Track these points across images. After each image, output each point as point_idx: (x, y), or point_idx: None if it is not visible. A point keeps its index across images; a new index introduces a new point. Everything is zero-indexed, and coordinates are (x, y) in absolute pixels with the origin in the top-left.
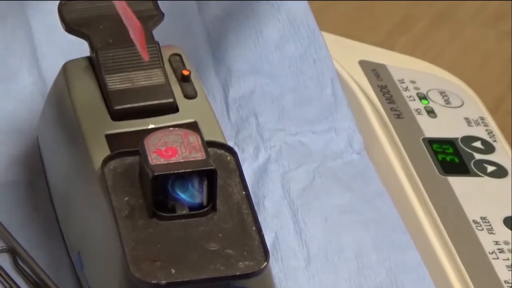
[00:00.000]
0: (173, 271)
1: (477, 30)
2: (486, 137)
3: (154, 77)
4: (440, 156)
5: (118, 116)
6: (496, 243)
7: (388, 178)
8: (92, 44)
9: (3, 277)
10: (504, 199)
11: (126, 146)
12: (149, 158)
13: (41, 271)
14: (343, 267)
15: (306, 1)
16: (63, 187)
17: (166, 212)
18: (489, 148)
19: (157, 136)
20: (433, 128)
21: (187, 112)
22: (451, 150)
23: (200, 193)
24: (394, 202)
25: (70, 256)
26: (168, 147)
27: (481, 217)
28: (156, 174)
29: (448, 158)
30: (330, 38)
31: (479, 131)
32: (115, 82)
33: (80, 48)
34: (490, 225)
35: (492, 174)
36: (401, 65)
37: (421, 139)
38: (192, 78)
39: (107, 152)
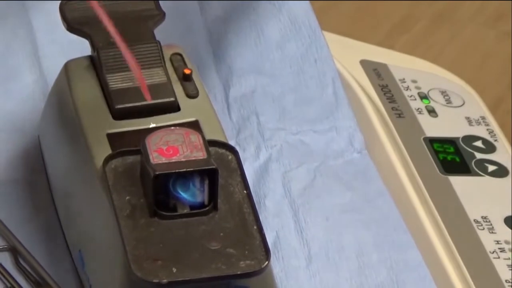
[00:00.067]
0: (174, 270)
1: (477, 30)
2: (487, 136)
3: (156, 76)
4: (441, 156)
5: (119, 115)
6: (497, 242)
7: (389, 178)
8: (93, 43)
9: (4, 276)
10: (505, 198)
11: (128, 145)
12: (151, 157)
13: (42, 270)
14: (344, 267)
15: (307, 1)
16: (64, 186)
17: (167, 211)
18: (490, 147)
19: (158, 135)
20: (434, 128)
21: (188, 111)
22: (452, 150)
23: (201, 192)
24: (395, 201)
25: (71, 254)
26: (169, 146)
27: (482, 217)
28: (157, 173)
29: (449, 158)
30: (331, 38)
31: (480, 131)
32: (116, 81)
33: (81, 47)
34: (491, 224)
35: (493, 174)
36: (402, 64)
37: (422, 138)
38: (194, 77)
39: (108, 151)
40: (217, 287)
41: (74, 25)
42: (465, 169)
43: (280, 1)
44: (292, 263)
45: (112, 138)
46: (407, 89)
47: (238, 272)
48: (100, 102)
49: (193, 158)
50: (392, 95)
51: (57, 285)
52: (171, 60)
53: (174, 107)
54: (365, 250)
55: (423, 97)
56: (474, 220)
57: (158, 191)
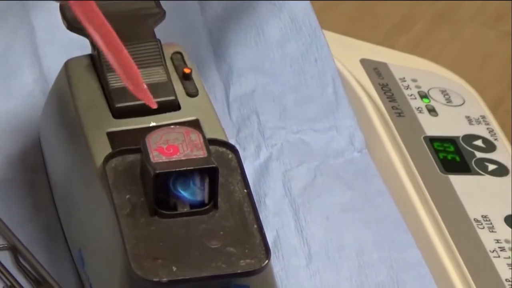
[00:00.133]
0: (174, 269)
1: (477, 30)
2: (487, 135)
3: (156, 75)
4: (441, 155)
5: (119, 114)
6: (497, 241)
7: (389, 177)
8: (93, 42)
9: (4, 275)
10: (505, 197)
11: (128, 144)
12: (151, 156)
13: (42, 269)
14: (344, 266)
15: (308, 0)
16: (64, 184)
17: (167, 210)
18: (490, 146)
19: (158, 134)
20: (434, 127)
21: (188, 110)
22: (452, 149)
23: (201, 191)
24: (395, 200)
25: (71, 253)
26: (169, 145)
27: (482, 216)
28: (157, 172)
29: (449, 157)
30: (331, 37)
31: (480, 130)
32: (116, 80)
33: (81, 46)
34: (491, 223)
35: (493, 173)
36: (402, 63)
37: (422, 137)
38: (194, 76)
39: (108, 150)
40: (217, 286)
41: (74, 24)
42: (465, 168)
43: (281, 0)
44: (292, 262)
45: (112, 137)
46: (407, 88)
47: (238, 271)
48: (100, 101)
49: (193, 157)
50: (392, 94)
51: (57, 284)
52: (171, 59)
53: (174, 106)
54: (365, 249)
55: (423, 96)
56: (474, 219)
57: (158, 190)
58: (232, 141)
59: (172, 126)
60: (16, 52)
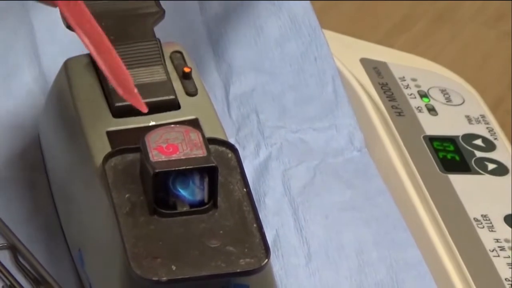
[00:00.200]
0: (173, 268)
1: (477, 30)
2: (487, 135)
3: (155, 74)
4: (441, 154)
5: (119, 113)
6: (497, 240)
7: (389, 176)
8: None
9: (3, 274)
10: (505, 197)
11: (127, 143)
12: (150, 155)
13: (42, 268)
14: (344, 265)
15: (308, 0)
16: (64, 183)
17: (167, 209)
18: (490, 146)
19: (158, 133)
20: (434, 126)
21: (188, 109)
22: (452, 148)
23: (201, 190)
24: (394, 199)
25: (71, 253)
26: (169, 144)
27: (481, 215)
28: (157, 171)
29: (449, 156)
30: (331, 36)
31: (480, 129)
32: None
33: (81, 45)
34: (491, 222)
35: (493, 172)
36: (402, 62)
37: (422, 136)
38: (193, 75)
39: (108, 149)
40: (217, 285)
41: None
42: (465, 168)
43: (280, 0)
44: (291, 261)
45: (112, 136)
46: (407, 88)
47: (238, 270)
48: (100, 100)
49: (193, 156)
50: (392, 93)
51: (56, 283)
52: (171, 58)
53: (174, 105)
54: (365, 248)
55: (423, 95)
56: (474, 218)
57: (157, 189)
58: (231, 140)
59: (171, 125)
60: (16, 52)
